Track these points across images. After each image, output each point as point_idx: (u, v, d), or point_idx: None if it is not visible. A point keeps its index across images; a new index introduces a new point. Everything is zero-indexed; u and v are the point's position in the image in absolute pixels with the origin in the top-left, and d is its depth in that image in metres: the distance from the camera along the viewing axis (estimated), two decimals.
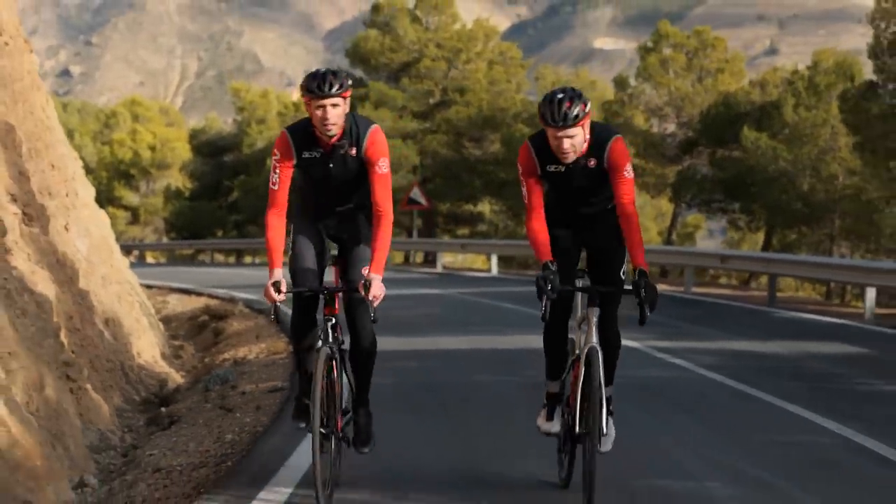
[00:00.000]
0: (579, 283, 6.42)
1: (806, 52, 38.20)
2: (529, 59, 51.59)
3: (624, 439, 6.93)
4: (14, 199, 9.94)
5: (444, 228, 44.81)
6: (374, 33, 43.53)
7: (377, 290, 6.18)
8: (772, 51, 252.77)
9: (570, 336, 6.51)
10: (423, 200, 35.64)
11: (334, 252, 6.66)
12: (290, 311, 6.60)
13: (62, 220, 12.05)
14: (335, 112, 6.16)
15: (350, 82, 6.27)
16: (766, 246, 34.85)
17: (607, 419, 6.31)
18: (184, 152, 58.76)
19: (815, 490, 6.68)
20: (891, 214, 26.62)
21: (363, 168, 6.35)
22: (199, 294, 24.37)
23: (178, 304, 23.24)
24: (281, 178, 6.30)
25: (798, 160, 31.10)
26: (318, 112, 6.16)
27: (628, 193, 6.16)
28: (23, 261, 9.34)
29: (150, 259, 52.68)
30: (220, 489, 6.70)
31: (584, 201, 6.36)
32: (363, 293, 6.20)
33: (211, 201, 53.52)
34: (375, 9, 44.59)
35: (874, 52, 25.40)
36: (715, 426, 8.69)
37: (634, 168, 7.47)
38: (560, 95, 6.03)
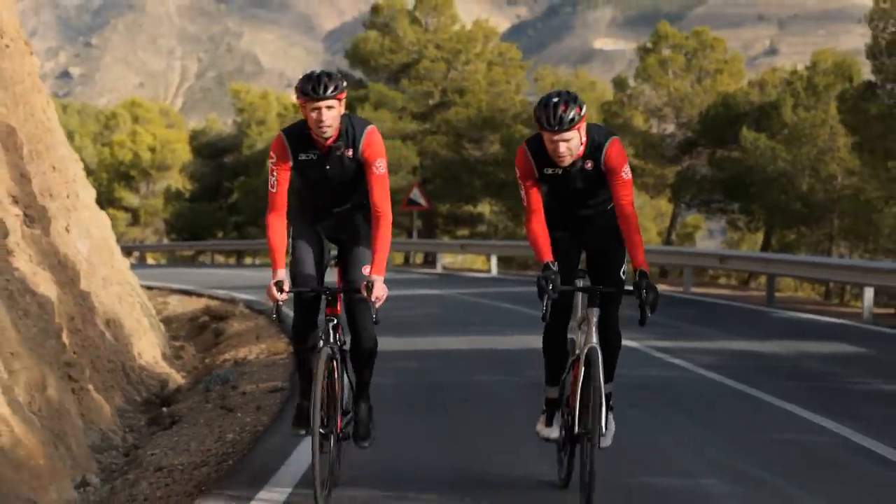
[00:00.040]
0: (580, 283, 6.43)
1: (806, 52, 38.26)
2: (529, 59, 51.67)
3: (623, 439, 6.96)
4: (16, 201, 9.98)
5: (444, 229, 44.84)
6: (373, 34, 43.57)
7: (380, 292, 6.21)
8: (772, 51, 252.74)
9: (570, 336, 6.52)
10: (422, 201, 35.68)
11: (334, 253, 6.67)
12: (291, 312, 6.63)
13: (63, 222, 12.09)
14: (330, 114, 6.17)
15: (345, 84, 6.27)
16: (766, 246, 34.88)
17: (607, 414, 6.35)
18: (184, 154, 58.80)
19: (814, 489, 6.72)
20: (889, 214, 26.63)
21: (360, 169, 6.35)
22: (200, 295, 24.41)
23: (179, 305, 23.28)
24: (279, 181, 6.32)
25: (797, 160, 31.13)
26: (314, 114, 6.17)
27: (627, 195, 6.18)
28: (25, 262, 9.38)
29: (150, 260, 52.72)
30: (221, 489, 6.72)
31: (582, 203, 6.38)
32: (366, 294, 6.22)
33: (211, 202, 53.56)
34: (375, 10, 44.63)
35: (872, 53, 25.43)
36: (713, 425, 8.73)
37: (633, 168, 7.57)
38: (555, 99, 6.03)
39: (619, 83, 37.88)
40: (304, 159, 6.33)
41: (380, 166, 6.33)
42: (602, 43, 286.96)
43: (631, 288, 6.11)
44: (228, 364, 13.73)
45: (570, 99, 6.03)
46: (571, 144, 6.09)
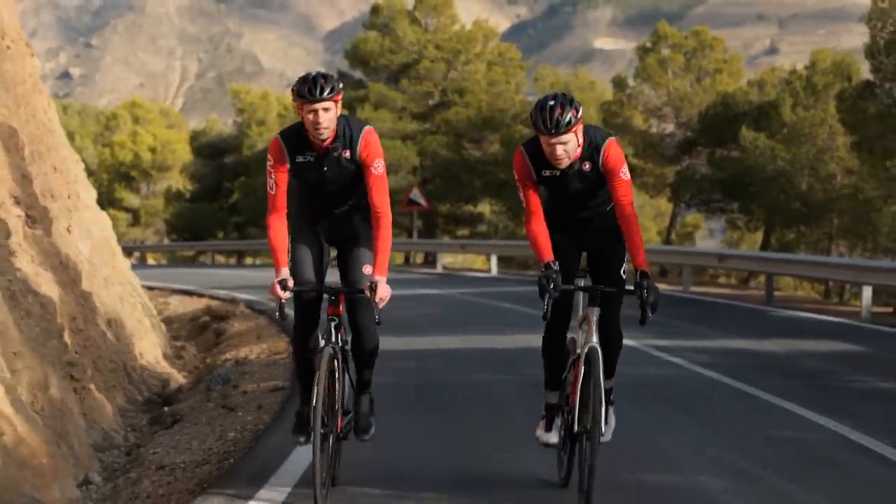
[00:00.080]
0: (581, 282, 6.44)
1: (806, 51, 38.24)
2: (529, 59, 51.69)
3: (621, 437, 6.99)
4: (17, 202, 10.03)
5: (444, 229, 44.88)
6: (373, 35, 43.62)
7: (383, 293, 6.22)
8: (772, 50, 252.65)
9: (570, 336, 6.53)
10: (422, 201, 35.73)
11: (333, 254, 6.68)
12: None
13: (65, 223, 12.12)
14: (327, 116, 6.18)
15: (341, 85, 6.27)
16: (765, 245, 34.92)
17: (607, 409, 6.38)
18: (184, 154, 58.83)
19: (812, 487, 6.76)
20: (888, 213, 26.67)
21: (358, 170, 6.36)
22: (201, 295, 24.44)
23: (180, 306, 23.32)
24: (277, 183, 6.32)
25: (796, 160, 31.17)
26: (310, 116, 6.17)
27: (626, 195, 6.18)
28: (27, 262, 9.43)
29: (151, 261, 52.76)
30: (221, 487, 6.74)
31: (581, 205, 6.39)
32: (369, 295, 6.23)
33: (211, 203, 53.59)
34: (375, 10, 44.68)
35: (871, 52, 25.50)
36: (712, 424, 8.76)
37: (633, 168, 7.60)
38: (551, 102, 6.02)
39: (619, 83, 37.93)
40: (302, 161, 6.33)
41: (378, 167, 6.33)
42: (602, 42, 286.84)
43: (632, 287, 6.12)
44: (229, 364, 13.77)
45: (566, 102, 6.02)
46: (568, 147, 6.09)
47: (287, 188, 6.38)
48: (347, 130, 6.32)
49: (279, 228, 6.36)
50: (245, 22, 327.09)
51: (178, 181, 59.37)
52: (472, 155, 41.73)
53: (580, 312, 6.44)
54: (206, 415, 9.97)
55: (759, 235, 37.54)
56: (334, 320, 6.38)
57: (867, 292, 17.69)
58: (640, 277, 6.07)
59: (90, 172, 31.90)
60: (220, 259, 52.03)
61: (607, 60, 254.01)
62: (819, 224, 32.88)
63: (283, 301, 6.24)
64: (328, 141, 6.28)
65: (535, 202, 6.27)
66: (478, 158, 41.57)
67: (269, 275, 6.31)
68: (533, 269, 33.53)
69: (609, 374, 6.41)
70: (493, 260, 31.10)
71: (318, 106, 6.14)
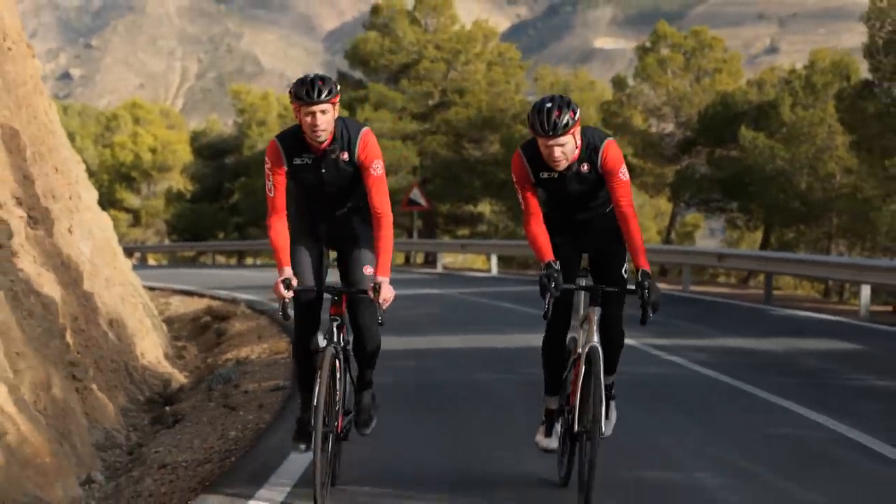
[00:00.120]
0: (582, 282, 6.43)
1: (806, 50, 38.28)
2: (530, 58, 51.70)
3: (620, 436, 7.02)
4: (19, 203, 10.07)
5: (445, 229, 44.92)
6: (373, 35, 43.66)
7: (387, 294, 6.21)
8: (772, 49, 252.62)
9: (571, 335, 6.53)
10: (423, 201, 35.77)
11: (333, 256, 6.68)
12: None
13: (66, 223, 12.16)
14: (325, 118, 6.18)
15: (339, 88, 6.26)
16: (765, 244, 34.97)
17: (608, 404, 6.42)
18: (185, 155, 58.87)
19: (811, 486, 6.79)
20: (887, 212, 26.69)
21: (356, 172, 6.35)
22: (202, 295, 24.47)
23: (181, 306, 23.36)
24: (276, 185, 6.32)
25: (795, 159, 31.21)
26: (308, 118, 6.18)
27: (625, 196, 6.18)
28: (29, 263, 9.48)
29: (151, 261, 52.79)
30: (221, 486, 6.75)
31: (580, 206, 6.39)
32: (373, 296, 6.22)
33: (212, 203, 53.64)
34: (375, 10, 44.72)
35: (869, 52, 25.54)
36: (710, 422, 8.80)
37: (632, 168, 7.62)
38: (548, 105, 6.02)
39: (618, 83, 37.97)
40: (299, 164, 6.33)
41: (377, 168, 6.32)
42: (603, 42, 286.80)
43: (633, 287, 6.13)
44: (230, 363, 13.82)
45: (563, 104, 6.02)
46: (566, 149, 6.09)
47: (286, 190, 6.38)
48: (345, 132, 6.31)
49: (280, 229, 6.35)
50: (245, 22, 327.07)
51: (178, 182, 59.41)
52: (472, 155, 41.78)
53: (581, 312, 6.44)
54: (207, 414, 10.01)
55: (759, 235, 37.58)
56: (337, 320, 6.38)
57: (866, 291, 17.73)
58: (641, 277, 6.08)
59: (91, 173, 31.94)
60: (221, 259, 52.08)
61: (607, 60, 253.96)
62: (818, 223, 32.92)
63: (287, 300, 6.24)
64: (326, 143, 6.28)
65: (534, 204, 6.27)
66: (478, 158, 41.61)
67: (269, 275, 6.36)
68: (533, 269, 33.58)
69: (611, 370, 6.45)
70: (494, 260, 31.15)
71: (316, 108, 6.15)
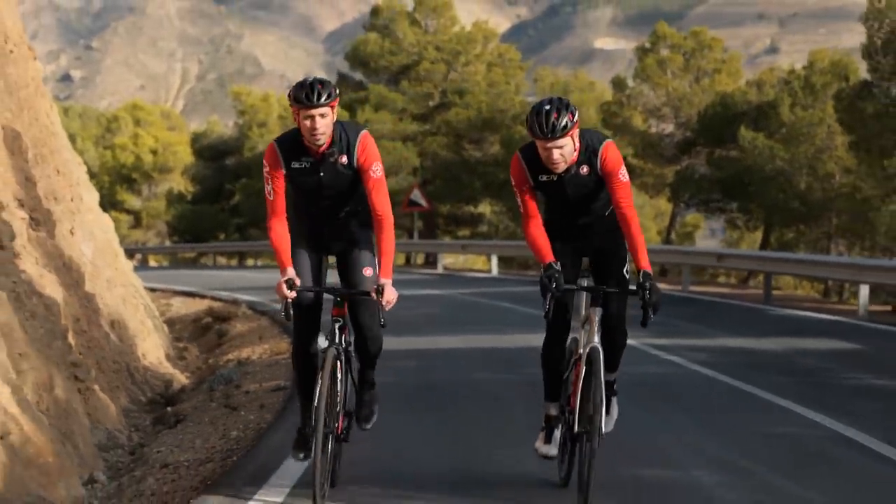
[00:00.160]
0: (583, 282, 6.44)
1: (806, 50, 38.28)
2: (530, 59, 51.73)
3: (619, 434, 7.05)
4: (21, 205, 10.12)
5: (445, 230, 44.95)
6: (373, 36, 43.70)
7: (390, 296, 6.20)
8: (772, 49, 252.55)
9: (573, 335, 6.54)
10: (423, 202, 35.81)
11: (332, 259, 6.68)
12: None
13: (68, 225, 12.19)
14: (324, 122, 6.17)
15: (338, 91, 6.26)
16: (765, 244, 34.99)
17: (610, 400, 6.45)
18: (185, 156, 58.90)
19: (809, 484, 6.83)
20: (886, 212, 26.73)
21: (355, 175, 6.34)
22: (203, 296, 24.50)
23: (182, 307, 23.39)
24: (275, 188, 6.31)
25: (795, 159, 31.24)
26: (307, 122, 6.17)
27: (626, 197, 6.18)
28: (31, 264, 9.52)
29: (152, 262, 52.82)
30: (221, 487, 6.77)
31: (580, 209, 6.37)
32: (376, 298, 6.22)
33: (213, 205, 53.67)
34: (375, 12, 44.75)
35: (868, 52, 25.58)
36: (709, 422, 8.82)
37: (632, 169, 7.66)
38: (547, 107, 6.02)
39: (618, 83, 38.00)
40: (298, 167, 6.32)
41: (376, 170, 6.32)
42: (603, 42, 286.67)
43: (634, 288, 6.14)
44: (232, 364, 13.86)
45: (562, 106, 6.02)
46: (565, 151, 6.09)
47: (285, 192, 6.38)
48: (344, 136, 6.31)
49: (281, 231, 6.34)
50: (245, 24, 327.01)
51: (179, 183, 59.43)
52: (473, 156, 41.81)
53: (582, 313, 6.43)
54: (208, 414, 10.05)
55: (759, 235, 37.61)
56: (339, 321, 6.39)
57: (864, 291, 17.77)
58: (642, 278, 6.09)
59: (92, 175, 31.93)
60: (222, 260, 52.09)
61: (608, 60, 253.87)
62: (818, 223, 32.94)
63: (290, 301, 6.23)
64: (324, 146, 6.28)
65: (533, 206, 6.27)
66: (478, 159, 41.65)
67: (270, 276, 6.40)
68: (534, 270, 33.60)
69: (612, 368, 6.48)
70: (494, 260, 31.18)
71: (315, 112, 6.14)
